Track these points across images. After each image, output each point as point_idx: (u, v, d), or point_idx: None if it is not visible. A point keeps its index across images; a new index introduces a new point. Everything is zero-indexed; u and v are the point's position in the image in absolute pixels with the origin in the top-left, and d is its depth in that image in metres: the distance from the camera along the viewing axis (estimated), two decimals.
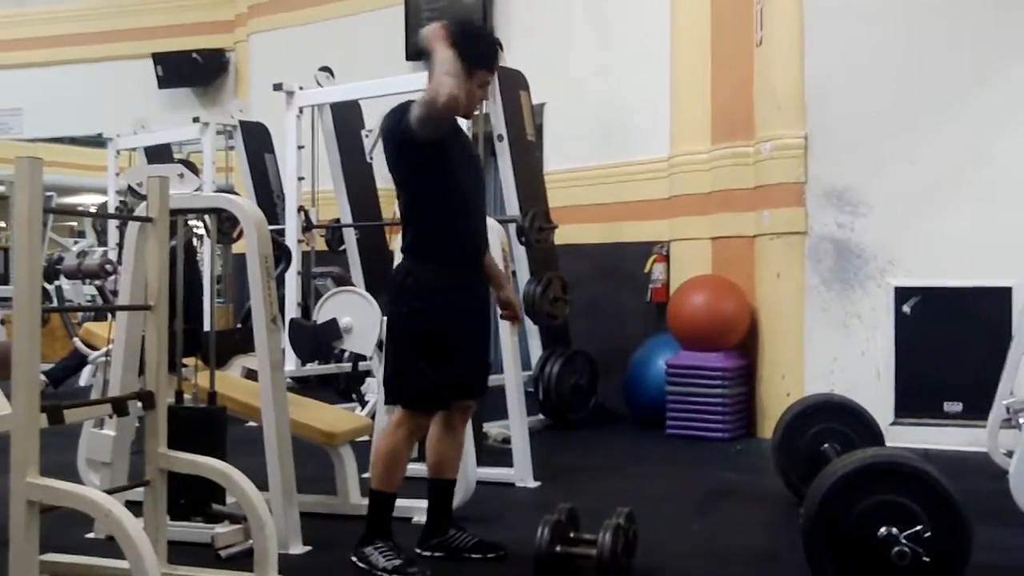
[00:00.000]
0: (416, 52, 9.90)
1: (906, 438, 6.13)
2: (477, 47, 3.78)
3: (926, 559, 3.20)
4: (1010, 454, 4.71)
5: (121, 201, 9.49)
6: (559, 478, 4.52)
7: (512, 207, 7.33)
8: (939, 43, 6.62)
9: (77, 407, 3.81)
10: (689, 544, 4.41)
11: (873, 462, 3.41)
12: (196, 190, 4.38)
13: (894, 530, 3.23)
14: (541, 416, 7.22)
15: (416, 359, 3.76)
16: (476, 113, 6.98)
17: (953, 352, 6.47)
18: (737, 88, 7.43)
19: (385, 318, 4.21)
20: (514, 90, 7.35)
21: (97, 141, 11.29)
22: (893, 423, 6.41)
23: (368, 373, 7.25)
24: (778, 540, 4.39)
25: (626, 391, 7.72)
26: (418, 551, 4.05)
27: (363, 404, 7.12)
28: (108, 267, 8.27)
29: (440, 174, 3.76)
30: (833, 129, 6.83)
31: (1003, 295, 6.34)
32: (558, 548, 3.62)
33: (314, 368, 7.48)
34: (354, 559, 3.89)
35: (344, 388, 7.79)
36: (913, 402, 6.57)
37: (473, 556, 4.02)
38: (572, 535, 3.76)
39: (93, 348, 6.29)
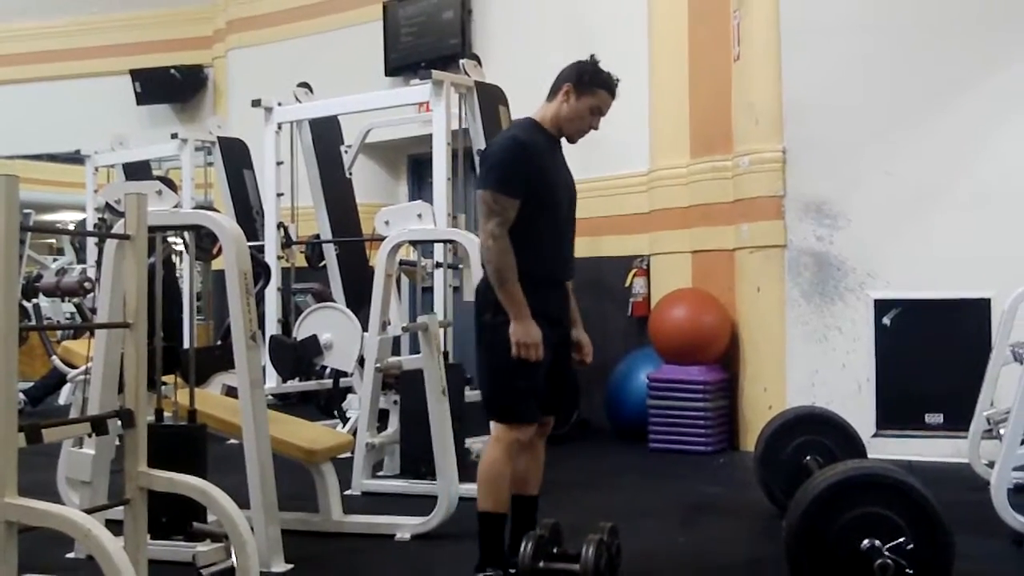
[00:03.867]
0: (395, 68, 10.01)
1: (888, 450, 6.14)
2: (584, 73, 3.84)
3: (909, 571, 3.20)
4: (991, 465, 4.74)
5: (100, 218, 9.43)
6: (542, 493, 4.50)
7: None
8: (916, 58, 6.66)
9: (56, 426, 3.78)
10: (673, 557, 4.41)
11: (855, 474, 3.42)
12: (175, 207, 4.35)
13: (877, 542, 3.24)
14: None
15: (507, 370, 3.71)
16: (456, 130, 7.04)
17: (934, 364, 6.50)
18: (715, 103, 7.46)
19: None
20: (493, 105, 7.35)
21: (75, 158, 11.22)
22: (875, 435, 6.41)
23: (349, 389, 7.22)
24: (761, 553, 4.40)
25: (608, 405, 7.72)
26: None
27: (344, 421, 7.09)
28: (87, 284, 8.22)
29: (538, 199, 3.73)
30: (811, 143, 6.86)
31: (982, 306, 6.37)
32: (541, 564, 3.61)
33: (295, 385, 7.46)
34: None
35: (325, 405, 7.76)
36: (894, 414, 6.59)
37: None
38: (555, 550, 3.75)
39: (72, 366, 6.25)
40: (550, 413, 3.96)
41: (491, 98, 7.36)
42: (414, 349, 6.85)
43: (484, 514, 3.81)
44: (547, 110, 3.90)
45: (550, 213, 3.81)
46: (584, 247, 8.43)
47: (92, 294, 8.21)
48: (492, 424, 3.86)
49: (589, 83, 3.84)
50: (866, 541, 3.25)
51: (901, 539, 3.23)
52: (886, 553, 3.21)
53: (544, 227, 3.78)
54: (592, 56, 3.94)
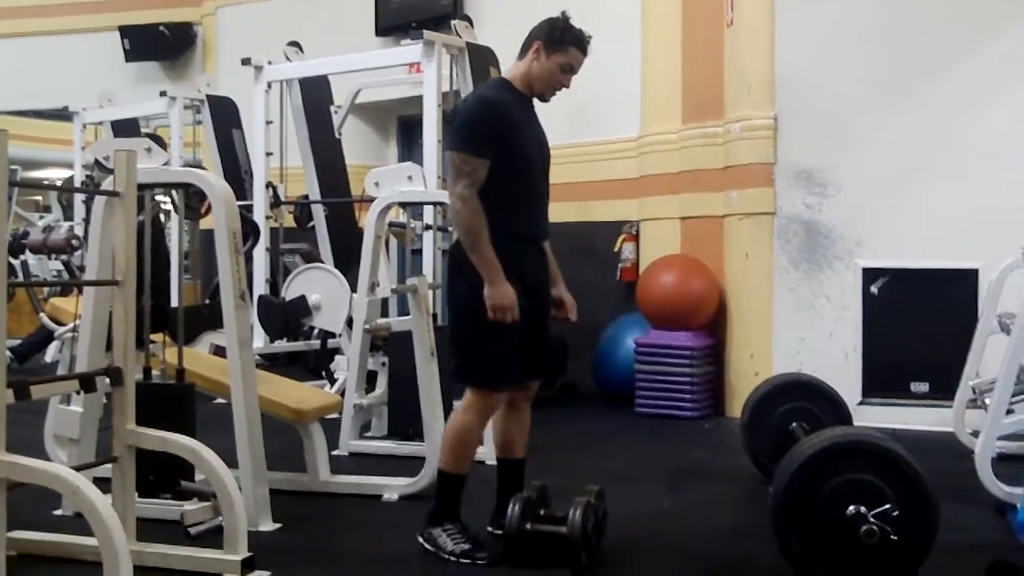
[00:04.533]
0: (386, 28, 9.94)
1: (873, 418, 6.18)
2: (554, 30, 3.80)
3: (894, 537, 3.22)
4: (976, 434, 4.77)
5: (88, 175, 9.39)
6: (529, 457, 4.51)
7: None
8: (909, 26, 6.64)
9: (43, 383, 3.78)
10: (659, 522, 4.43)
11: (841, 441, 3.44)
12: (164, 164, 4.32)
13: (862, 509, 3.26)
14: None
15: (480, 336, 3.69)
16: (446, 91, 7.00)
17: (920, 333, 6.52)
18: (707, 69, 7.43)
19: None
20: (484, 67, 7.30)
21: (62, 114, 11.14)
22: (860, 403, 6.45)
23: (337, 350, 7.22)
24: (747, 518, 4.42)
25: (595, 370, 7.74)
26: (489, 530, 3.97)
27: (332, 382, 7.10)
28: (74, 242, 8.20)
29: (509, 158, 3.70)
30: (803, 110, 6.85)
31: (970, 277, 6.39)
32: (528, 526, 3.63)
33: (283, 345, 7.46)
34: (421, 540, 3.82)
35: (314, 365, 7.76)
36: (881, 382, 6.62)
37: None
38: (543, 512, 3.77)
39: (59, 323, 6.24)
40: (534, 376, 3.95)
41: (482, 60, 7.31)
42: (403, 311, 6.86)
43: (445, 473, 3.84)
44: (518, 68, 3.86)
45: (522, 172, 3.77)
46: (573, 212, 8.49)
47: (79, 251, 8.18)
48: (466, 390, 3.85)
49: (560, 40, 3.79)
50: (851, 507, 3.27)
51: (886, 506, 3.25)
52: (871, 519, 3.23)
53: (517, 186, 3.75)
54: (563, 13, 3.90)
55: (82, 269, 6.45)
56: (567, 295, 4.08)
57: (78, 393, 4.09)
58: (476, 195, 3.63)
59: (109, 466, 3.56)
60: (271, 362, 7.40)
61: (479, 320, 3.65)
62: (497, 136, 3.68)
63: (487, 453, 5.43)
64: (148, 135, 8.78)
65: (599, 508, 3.84)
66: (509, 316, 3.62)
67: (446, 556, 3.73)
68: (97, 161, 5.58)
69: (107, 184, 3.75)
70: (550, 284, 4.02)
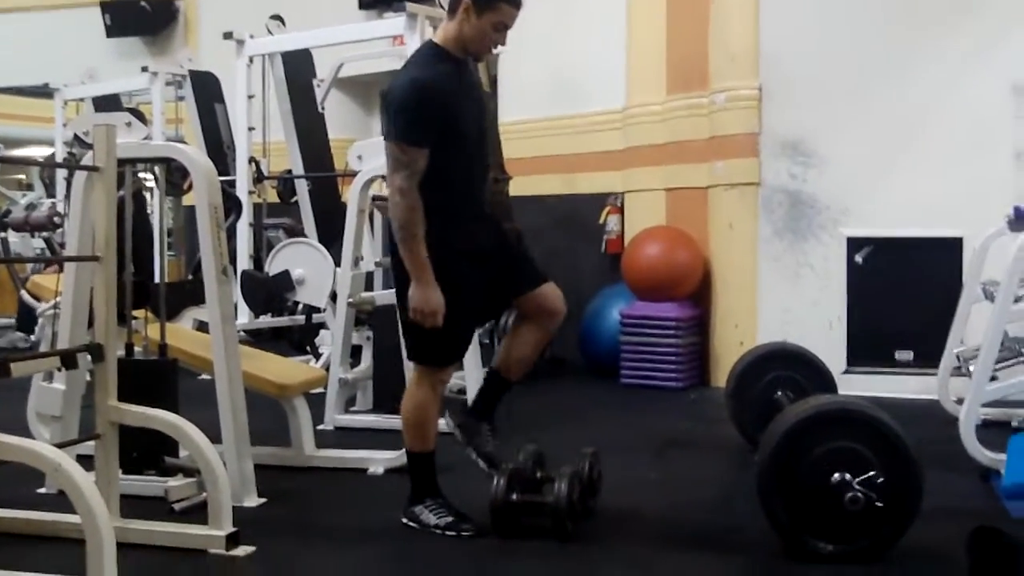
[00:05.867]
0: (368, 1, 9.88)
1: (858, 386, 6.17)
2: None
3: (879, 504, 3.24)
4: (960, 401, 4.77)
5: (69, 152, 9.33)
6: (515, 428, 4.53)
7: None
8: None
9: (24, 360, 3.76)
10: (646, 491, 4.44)
11: (826, 409, 3.45)
12: (144, 139, 4.29)
13: (847, 476, 3.27)
14: None
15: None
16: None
17: (905, 302, 6.53)
18: (692, 39, 7.39)
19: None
20: None
21: (43, 91, 11.04)
22: (845, 372, 6.46)
23: (322, 325, 7.20)
24: (733, 487, 4.43)
25: (581, 341, 7.73)
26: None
27: (317, 357, 7.08)
28: (56, 219, 8.15)
29: (445, 140, 3.57)
30: (787, 80, 6.83)
31: (954, 245, 6.39)
32: (515, 497, 3.63)
33: (267, 321, 7.42)
34: (404, 520, 3.81)
35: (299, 341, 7.74)
36: (865, 351, 6.63)
37: (478, 462, 3.91)
38: (539, 475, 3.83)
39: (41, 301, 6.20)
40: (536, 284, 3.85)
41: None
42: (387, 285, 6.83)
43: (413, 453, 3.83)
44: (448, 30, 3.65)
45: (458, 150, 3.63)
46: (558, 184, 8.47)
47: (61, 229, 8.13)
48: (416, 369, 3.83)
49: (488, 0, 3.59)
50: (836, 475, 3.28)
51: (871, 473, 3.26)
52: (856, 486, 3.24)
53: (453, 165, 3.62)
54: None
55: (64, 246, 6.39)
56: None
57: (59, 370, 4.06)
58: (415, 187, 3.51)
59: (93, 443, 3.54)
60: (256, 338, 7.36)
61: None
62: (434, 122, 3.54)
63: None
64: (129, 110, 8.74)
65: (594, 469, 3.92)
66: (429, 322, 3.55)
67: (432, 530, 3.73)
68: (77, 136, 5.53)
69: (87, 159, 3.72)
70: (503, 224, 3.99)
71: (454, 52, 3.67)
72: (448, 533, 3.70)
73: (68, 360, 3.54)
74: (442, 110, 3.56)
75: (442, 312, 3.55)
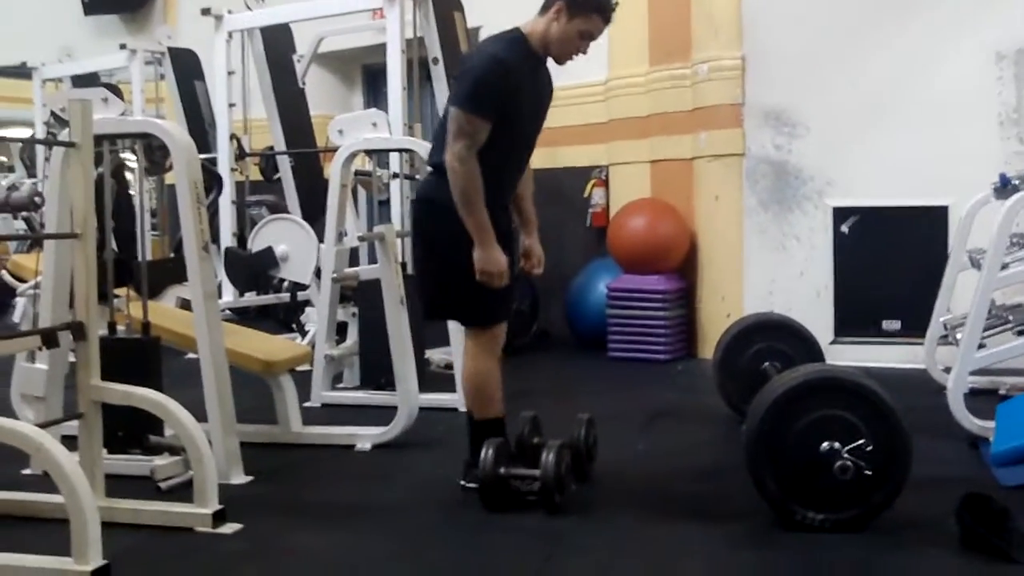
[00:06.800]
0: None
1: (846, 356, 6.20)
2: None
3: (868, 472, 3.23)
4: (947, 370, 4.78)
5: (49, 132, 9.25)
6: (505, 402, 4.54)
7: None
8: None
9: (4, 339, 3.73)
10: (634, 463, 4.44)
11: (813, 378, 3.43)
12: (121, 114, 4.23)
13: (836, 445, 3.26)
14: None
15: (467, 279, 3.64)
16: (410, 38, 6.90)
17: (891, 271, 6.52)
18: (674, 10, 7.35)
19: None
20: (448, 11, 7.20)
21: (21, 72, 10.93)
22: (832, 342, 6.46)
23: (308, 302, 7.16)
24: (721, 458, 4.43)
25: (568, 315, 7.72)
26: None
27: (303, 334, 7.05)
28: (37, 199, 8.09)
29: (502, 127, 3.60)
30: (770, 50, 6.80)
31: (940, 214, 6.39)
32: (502, 470, 3.61)
33: (253, 299, 7.39)
34: (465, 483, 3.83)
35: (284, 318, 7.71)
36: (852, 320, 6.64)
37: None
38: (536, 441, 3.87)
39: (22, 281, 6.15)
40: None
41: (446, 3, 7.21)
42: (372, 261, 6.80)
43: (479, 421, 3.82)
44: (536, 26, 3.69)
45: (508, 140, 3.67)
46: (542, 158, 8.33)
47: (43, 209, 8.06)
48: (467, 333, 3.86)
49: (583, 5, 3.62)
50: (825, 444, 3.27)
51: (860, 441, 3.25)
52: (845, 455, 3.23)
53: (498, 151, 3.63)
54: None
55: (44, 227, 6.35)
56: (538, 247, 4.05)
57: (40, 349, 4.02)
58: (475, 156, 3.55)
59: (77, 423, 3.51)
60: (242, 316, 7.33)
61: (463, 265, 3.62)
62: (502, 101, 3.57)
63: (459, 400, 5.44)
64: (106, 85, 8.66)
65: (589, 435, 4.00)
66: (496, 282, 3.61)
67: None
68: (54, 113, 5.49)
69: (63, 136, 3.67)
70: (520, 236, 3.99)
71: (536, 48, 3.70)
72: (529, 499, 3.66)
73: (49, 339, 3.49)
74: (512, 95, 3.60)
75: (506, 272, 3.61)
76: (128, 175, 5.44)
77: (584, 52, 3.76)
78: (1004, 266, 4.59)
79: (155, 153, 4.54)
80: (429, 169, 3.86)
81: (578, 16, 3.62)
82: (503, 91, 3.57)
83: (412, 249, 4.08)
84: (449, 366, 5.75)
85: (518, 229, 4.01)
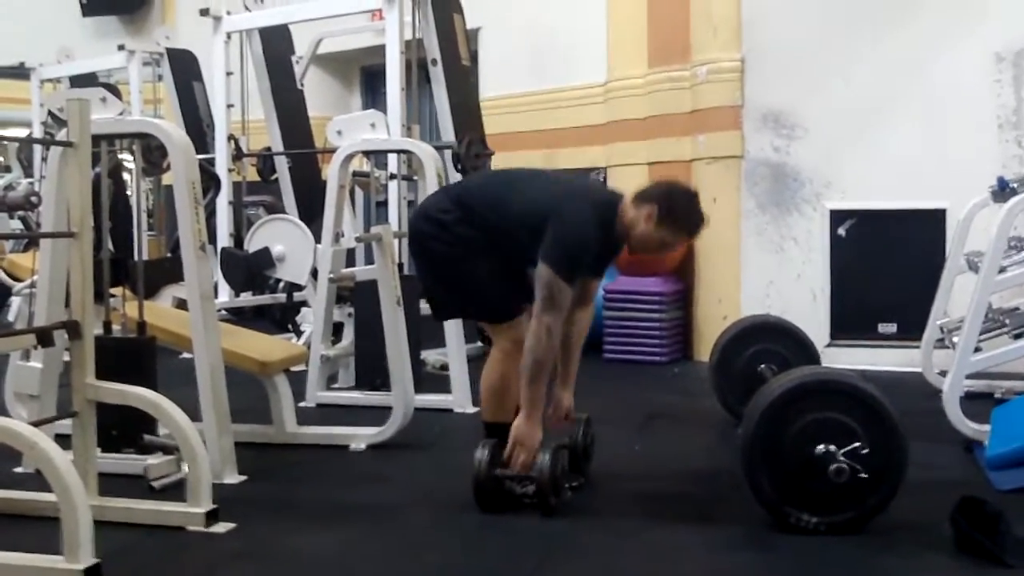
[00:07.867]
0: None
1: (842, 359, 6.18)
2: (675, 209, 3.66)
3: (863, 475, 3.22)
4: (943, 374, 4.77)
5: (47, 132, 9.24)
6: None
7: (448, 133, 7.22)
8: None
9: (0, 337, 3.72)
10: (631, 465, 4.43)
11: (810, 380, 3.42)
12: (119, 114, 4.23)
13: (831, 447, 3.25)
14: (479, 343, 7.20)
15: (481, 282, 3.73)
16: (409, 39, 6.90)
17: (888, 274, 6.51)
18: (673, 12, 7.35)
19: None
20: (447, 13, 7.21)
21: (19, 72, 10.93)
22: (829, 344, 6.44)
23: (304, 303, 7.16)
24: (717, 460, 4.42)
25: None
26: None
27: (299, 334, 7.04)
28: (34, 199, 8.05)
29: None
30: (769, 52, 6.80)
31: (937, 217, 6.38)
32: (497, 471, 3.61)
33: (249, 299, 7.38)
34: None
35: (280, 319, 7.70)
36: (849, 324, 6.62)
37: None
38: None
39: (18, 280, 6.14)
40: None
41: (445, 5, 7.22)
42: (369, 262, 6.79)
43: (492, 424, 3.83)
44: (628, 212, 3.68)
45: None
46: (540, 159, 8.43)
47: (39, 209, 8.05)
48: (491, 332, 3.88)
49: (674, 223, 3.66)
50: (821, 446, 3.26)
51: (855, 444, 3.24)
52: (840, 458, 3.23)
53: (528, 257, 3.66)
54: (694, 189, 3.83)
55: (41, 227, 6.34)
56: (568, 399, 4.06)
57: (35, 348, 4.01)
58: (560, 331, 3.60)
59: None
60: (238, 316, 7.32)
61: (475, 272, 3.72)
62: (582, 269, 3.66)
63: (454, 401, 5.44)
64: (104, 85, 8.66)
65: (587, 434, 4.02)
66: (522, 455, 3.60)
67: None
68: (51, 113, 5.47)
69: (61, 135, 3.66)
70: (554, 385, 4.01)
71: (619, 230, 3.71)
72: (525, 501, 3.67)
73: (44, 338, 3.48)
74: (586, 267, 3.68)
75: (535, 450, 3.61)
76: (125, 175, 5.44)
77: (659, 257, 3.85)
78: (1002, 269, 4.59)
79: (153, 153, 4.53)
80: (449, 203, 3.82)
81: (667, 228, 3.65)
82: (588, 260, 3.64)
83: (415, 263, 4.08)
84: (445, 367, 5.74)
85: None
